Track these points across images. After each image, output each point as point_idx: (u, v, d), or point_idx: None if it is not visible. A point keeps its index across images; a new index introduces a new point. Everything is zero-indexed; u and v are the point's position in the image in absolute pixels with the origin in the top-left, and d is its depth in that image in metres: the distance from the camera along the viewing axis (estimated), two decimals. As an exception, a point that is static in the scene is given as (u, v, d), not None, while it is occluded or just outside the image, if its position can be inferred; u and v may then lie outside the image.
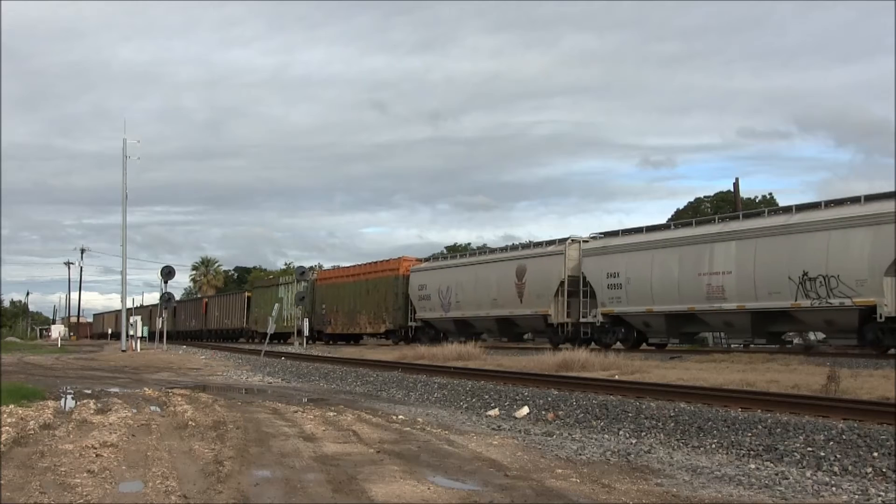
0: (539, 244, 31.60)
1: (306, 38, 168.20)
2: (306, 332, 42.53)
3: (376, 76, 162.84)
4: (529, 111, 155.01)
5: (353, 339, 45.36)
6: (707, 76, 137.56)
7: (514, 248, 33.76)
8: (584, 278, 28.14)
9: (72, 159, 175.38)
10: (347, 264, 49.57)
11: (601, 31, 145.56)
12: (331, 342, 44.80)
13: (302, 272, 48.14)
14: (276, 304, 38.90)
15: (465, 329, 34.58)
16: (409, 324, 38.33)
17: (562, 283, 28.82)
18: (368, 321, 41.48)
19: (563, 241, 29.95)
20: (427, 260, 39.61)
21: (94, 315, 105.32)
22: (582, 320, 28.15)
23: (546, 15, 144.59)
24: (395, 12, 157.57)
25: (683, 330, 25.44)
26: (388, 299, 39.76)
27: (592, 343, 27.11)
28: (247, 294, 57.10)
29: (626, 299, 26.05)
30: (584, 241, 29.22)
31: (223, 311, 62.28)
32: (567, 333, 28.84)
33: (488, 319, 33.07)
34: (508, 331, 33.00)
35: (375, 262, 42.95)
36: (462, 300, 34.33)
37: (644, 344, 27.13)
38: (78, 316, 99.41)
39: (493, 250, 34.27)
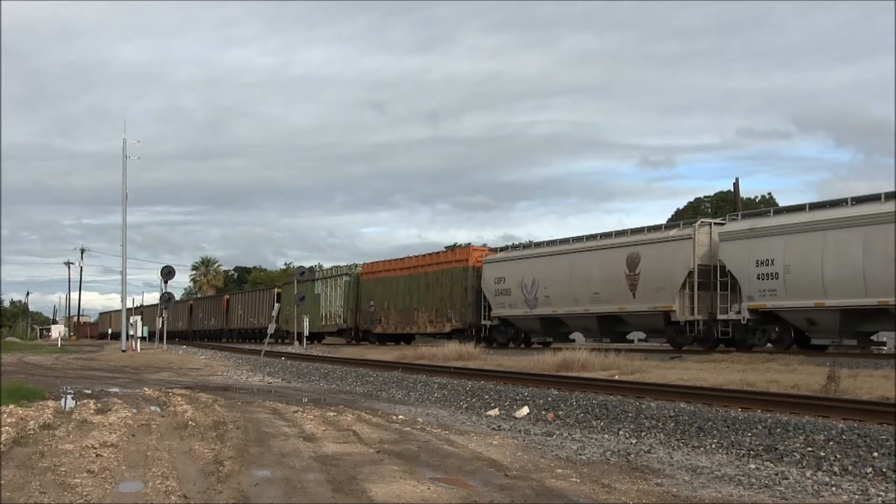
0: (656, 228, 27.14)
1: (305, 38, 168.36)
2: (306, 333, 42.22)
3: (375, 76, 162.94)
4: (529, 111, 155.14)
5: (406, 339, 40.57)
6: (707, 76, 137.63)
7: (621, 233, 28.27)
8: (721, 267, 23.91)
9: (71, 159, 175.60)
10: (385, 259, 43.93)
11: (601, 31, 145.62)
12: (376, 343, 40.65)
13: (302, 272, 47.74)
14: (277, 305, 37.90)
15: (554, 328, 30.94)
16: (483, 322, 33.71)
17: (690, 273, 24.49)
18: (429, 319, 36.55)
19: (689, 223, 26.30)
20: (503, 249, 34.67)
21: (101, 314, 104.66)
22: (720, 317, 23.85)
23: (546, 15, 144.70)
24: (394, 12, 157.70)
25: (861, 329, 21.31)
26: (454, 295, 34.94)
27: (733, 345, 23.81)
28: (276, 290, 51.35)
29: (783, 292, 21.96)
30: (715, 223, 25.33)
31: (248, 309, 57.34)
32: (697, 333, 24.77)
33: (587, 317, 28.62)
34: (612, 330, 28.47)
35: (437, 253, 38.94)
36: (552, 295, 29.71)
37: (797, 346, 22.74)
38: (78, 316, 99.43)
39: (592, 237, 29.29)
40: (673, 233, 25.95)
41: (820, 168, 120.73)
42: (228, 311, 60.93)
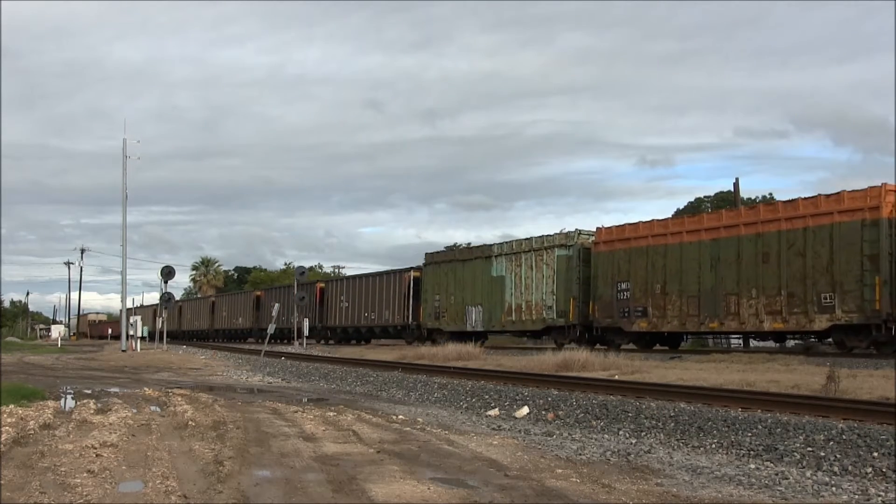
0: None
1: (301, 37, 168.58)
2: (306, 332, 41.93)
3: (372, 75, 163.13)
4: (526, 110, 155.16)
5: (681, 340, 27.89)
6: (705, 75, 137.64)
7: None
8: None
9: (67, 159, 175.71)
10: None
11: (598, 30, 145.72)
12: (626, 344, 26.72)
13: (302, 272, 47.12)
14: (277, 304, 37.02)
15: None
16: None
17: None
18: (768, 309, 22.01)
19: None
20: None
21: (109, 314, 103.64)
22: None
23: (542, 13, 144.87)
24: (390, 11, 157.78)
25: None
26: (840, 266, 20.47)
27: None
28: (412, 274, 37.97)
29: None
30: None
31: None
32: None
33: None
34: None
35: (792, 202, 22.31)
36: None
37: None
38: (78, 316, 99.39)
39: None
40: None
41: (818, 167, 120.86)
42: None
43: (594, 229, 28.22)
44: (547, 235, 29.69)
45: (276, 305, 35.14)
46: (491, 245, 32.62)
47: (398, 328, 38.78)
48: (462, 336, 31.88)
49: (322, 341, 45.89)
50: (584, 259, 28.04)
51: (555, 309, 28.57)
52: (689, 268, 24.25)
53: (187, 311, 70.23)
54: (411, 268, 38.97)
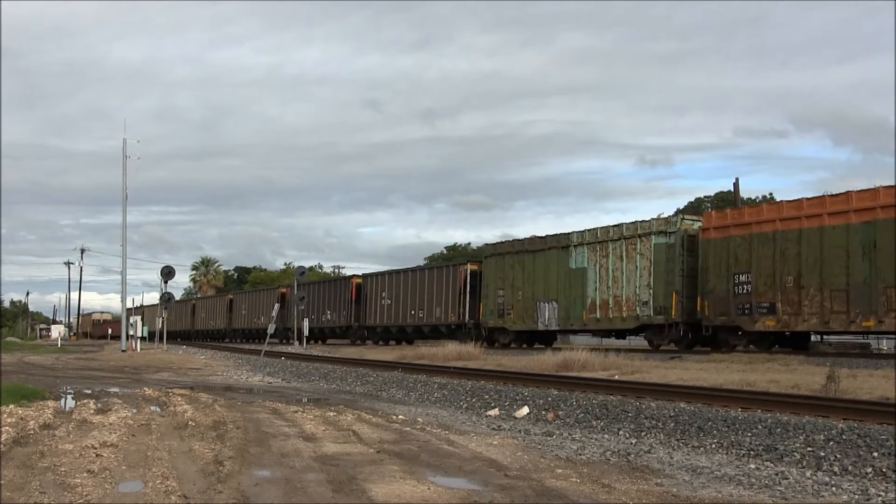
0: None
1: (300, 37, 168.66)
2: (306, 332, 41.73)
3: (371, 75, 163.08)
4: (526, 110, 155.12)
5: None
6: (704, 75, 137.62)
7: None
8: None
9: (67, 159, 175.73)
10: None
11: (598, 30, 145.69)
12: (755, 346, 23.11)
13: (302, 272, 46.75)
14: (276, 305, 36.66)
15: None
16: None
17: None
18: None
19: None
20: None
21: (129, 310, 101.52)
22: None
23: (542, 13, 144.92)
24: (390, 10, 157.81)
25: None
26: None
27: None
28: (468, 267, 34.78)
29: None
30: None
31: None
32: None
33: None
34: None
35: None
36: None
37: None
38: (78, 316, 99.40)
39: None
40: None
41: (818, 167, 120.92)
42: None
43: (697, 216, 25.19)
44: (641, 221, 26.42)
45: (277, 306, 35.06)
46: (569, 233, 28.77)
47: (451, 327, 35.16)
48: (531, 336, 29.77)
49: (359, 342, 41.82)
50: (688, 248, 24.63)
51: (651, 305, 25.27)
52: (832, 256, 20.75)
53: (201, 310, 67.40)
54: (468, 260, 36.74)
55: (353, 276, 43.68)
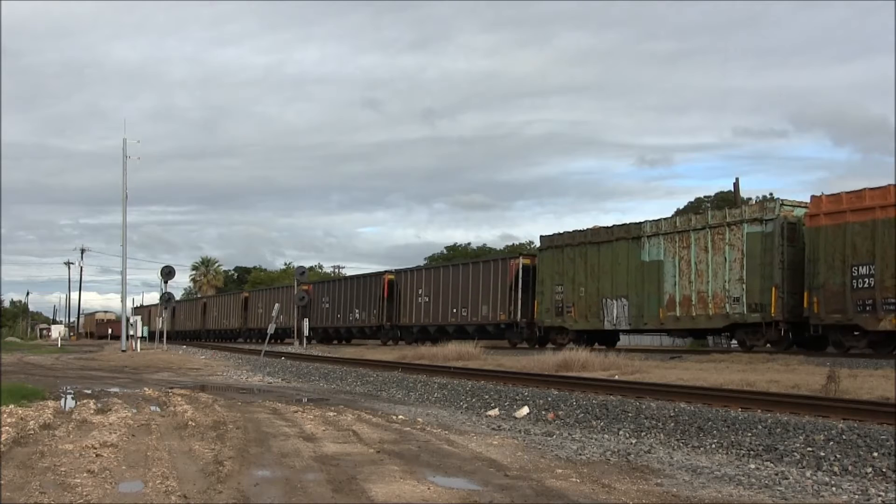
0: None
1: (299, 37, 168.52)
2: (306, 332, 41.72)
3: (370, 75, 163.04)
4: (525, 110, 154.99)
5: None
6: (704, 75, 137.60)
7: None
8: None
9: (66, 159, 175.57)
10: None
11: (597, 30, 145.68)
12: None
13: (302, 272, 46.73)
14: (277, 305, 36.34)
15: None
16: None
17: None
18: None
19: None
20: None
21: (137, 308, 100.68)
22: None
23: (542, 13, 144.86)
24: (389, 10, 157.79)
25: None
26: None
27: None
28: (520, 261, 31.95)
29: None
30: None
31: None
32: None
33: None
34: None
35: None
36: None
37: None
38: (79, 315, 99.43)
39: None
40: None
41: (817, 167, 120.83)
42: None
43: (798, 200, 22.54)
44: (730, 209, 24.28)
45: (277, 306, 34.84)
46: (640, 223, 25.95)
47: (500, 327, 32.32)
48: (593, 336, 27.23)
49: (390, 343, 39.02)
50: (788, 236, 21.85)
51: (744, 301, 22.45)
52: None
53: (213, 309, 64.79)
54: (520, 254, 34.26)
55: (386, 271, 40.73)
